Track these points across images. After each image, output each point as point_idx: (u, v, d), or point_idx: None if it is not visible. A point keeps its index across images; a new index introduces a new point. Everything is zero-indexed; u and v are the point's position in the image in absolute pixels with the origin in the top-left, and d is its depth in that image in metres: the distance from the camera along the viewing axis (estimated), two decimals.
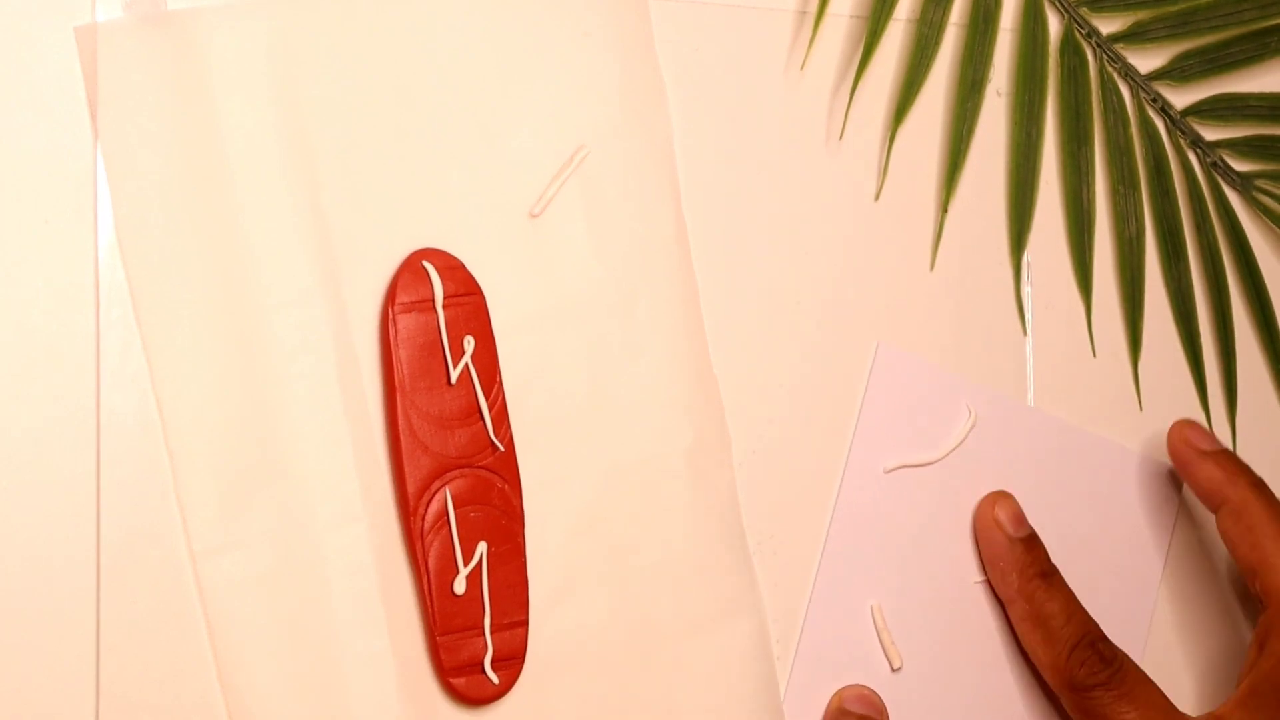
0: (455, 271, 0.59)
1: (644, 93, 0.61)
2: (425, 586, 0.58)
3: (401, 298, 0.58)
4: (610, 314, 0.61)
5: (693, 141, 0.62)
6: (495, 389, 0.59)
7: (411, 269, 0.58)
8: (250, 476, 0.56)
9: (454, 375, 0.58)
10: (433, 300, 0.58)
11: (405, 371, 0.58)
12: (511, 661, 0.59)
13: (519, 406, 0.59)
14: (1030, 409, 0.67)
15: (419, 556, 0.57)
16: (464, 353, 0.58)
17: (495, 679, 0.58)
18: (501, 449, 0.58)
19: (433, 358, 0.58)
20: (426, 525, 0.58)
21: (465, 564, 0.58)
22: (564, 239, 0.60)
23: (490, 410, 0.58)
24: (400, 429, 0.57)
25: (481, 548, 0.58)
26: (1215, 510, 0.65)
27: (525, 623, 0.59)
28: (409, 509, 0.58)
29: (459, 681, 0.58)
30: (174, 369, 0.56)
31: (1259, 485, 0.65)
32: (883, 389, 0.65)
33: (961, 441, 0.66)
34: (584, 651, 0.60)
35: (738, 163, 0.63)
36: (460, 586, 0.58)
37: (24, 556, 0.54)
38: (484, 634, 0.58)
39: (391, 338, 0.58)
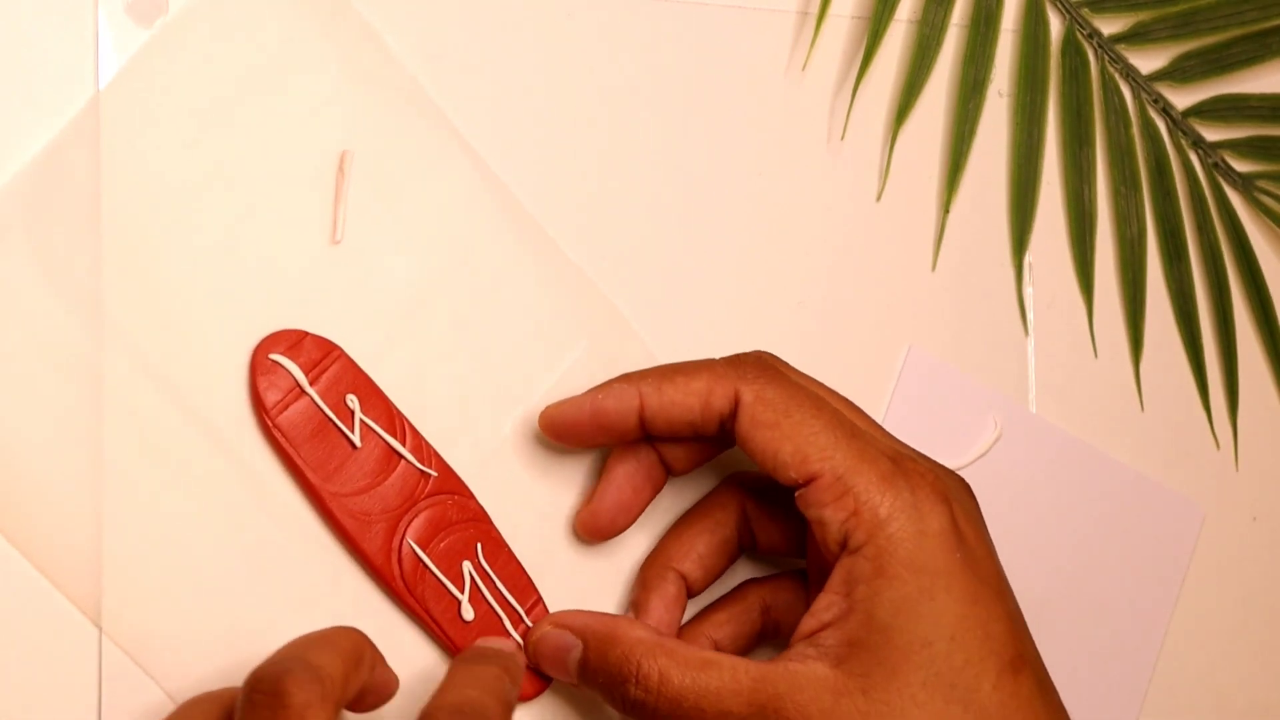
0: (302, 343, 0.56)
1: (373, 72, 0.58)
2: (438, 631, 0.57)
3: (269, 401, 0.55)
4: (459, 284, 0.59)
5: (694, 142, 0.62)
6: (398, 423, 0.57)
7: (262, 369, 0.56)
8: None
9: (356, 439, 0.56)
10: (299, 386, 0.56)
11: (311, 466, 0.56)
12: None
13: (424, 417, 0.58)
14: (1055, 428, 0.67)
15: (418, 610, 0.57)
16: (353, 413, 0.56)
17: None
18: (435, 474, 0.57)
19: (328, 437, 0.56)
20: (409, 580, 0.57)
21: (461, 591, 0.57)
22: (377, 248, 0.58)
23: (406, 446, 0.57)
24: (338, 518, 0.56)
25: (467, 567, 0.58)
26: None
27: (540, 599, 0.59)
28: (385, 575, 0.57)
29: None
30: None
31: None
32: (909, 392, 0.65)
33: (985, 453, 0.66)
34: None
35: (739, 163, 0.63)
36: (469, 613, 0.57)
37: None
38: (510, 636, 0.58)
39: (283, 445, 0.56)
